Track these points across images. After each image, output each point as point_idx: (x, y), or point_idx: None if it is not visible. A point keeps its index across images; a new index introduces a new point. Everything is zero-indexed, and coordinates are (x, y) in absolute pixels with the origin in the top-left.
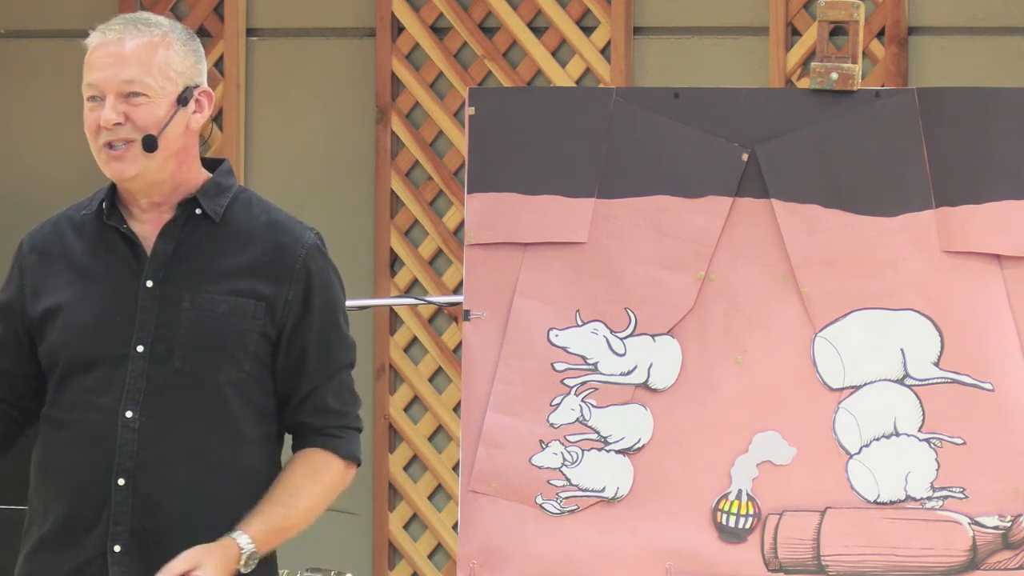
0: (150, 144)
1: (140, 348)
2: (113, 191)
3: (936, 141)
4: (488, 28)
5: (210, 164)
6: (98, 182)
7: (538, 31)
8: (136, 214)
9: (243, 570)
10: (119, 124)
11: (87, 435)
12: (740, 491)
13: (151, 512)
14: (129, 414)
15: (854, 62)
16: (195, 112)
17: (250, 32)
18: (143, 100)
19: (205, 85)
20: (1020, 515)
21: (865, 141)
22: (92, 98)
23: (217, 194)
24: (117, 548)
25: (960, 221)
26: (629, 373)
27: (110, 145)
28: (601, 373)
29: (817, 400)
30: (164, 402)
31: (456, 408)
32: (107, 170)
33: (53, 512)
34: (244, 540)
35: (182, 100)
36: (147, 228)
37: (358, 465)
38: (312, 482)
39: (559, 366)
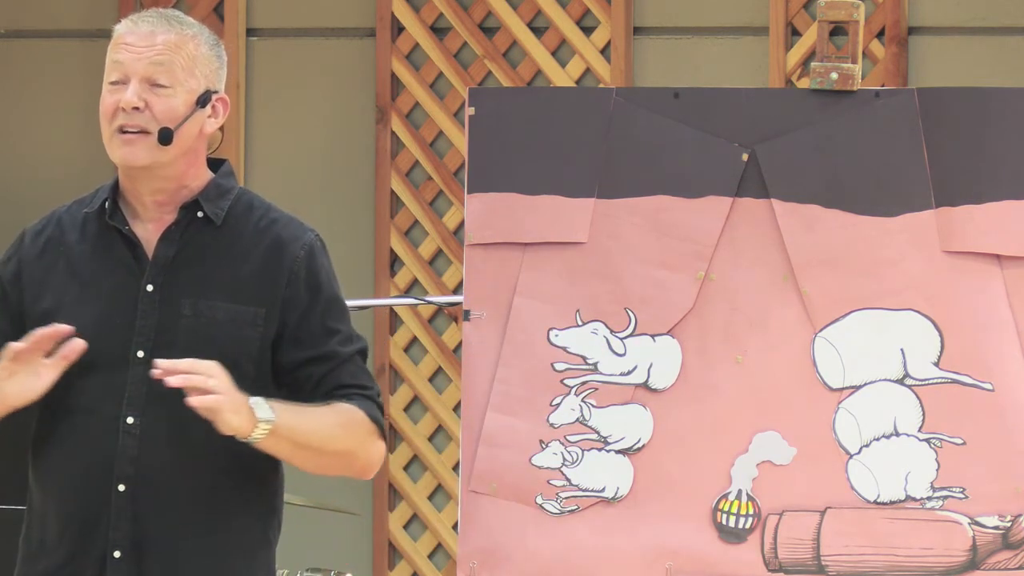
0: (166, 137)
1: (140, 353)
2: (115, 189)
3: (936, 141)
4: (488, 28)
5: (211, 165)
6: (97, 182)
7: (538, 31)
8: (139, 212)
9: (255, 432)
10: (138, 109)
11: (87, 440)
12: (740, 491)
13: (151, 519)
14: (130, 420)
15: (854, 62)
16: (210, 117)
17: (250, 32)
18: (166, 92)
19: (223, 93)
20: (1020, 515)
21: (865, 141)
22: (114, 82)
23: (218, 196)
24: (117, 554)
25: (960, 221)
26: (629, 373)
27: (123, 130)
28: (601, 373)
29: (817, 400)
30: (165, 408)
31: (456, 408)
32: (117, 154)
33: (52, 516)
34: (257, 399)
35: (201, 101)
36: (149, 229)
37: (383, 438)
38: (334, 410)
39: (559, 366)
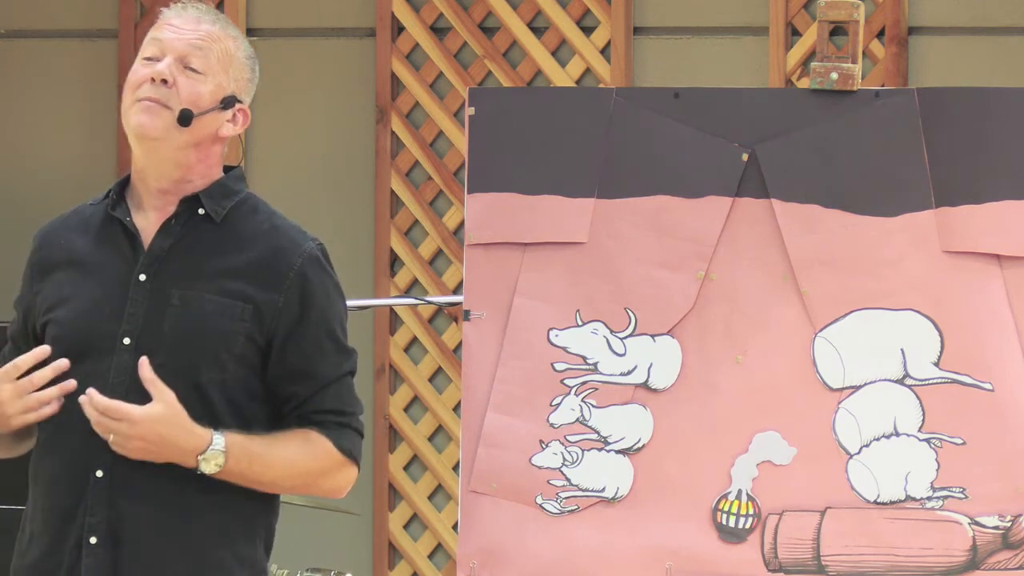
0: (186, 118)
1: (127, 341)
2: (124, 185)
3: (936, 141)
4: (488, 28)
5: (225, 171)
6: (97, 182)
7: (538, 31)
8: (145, 202)
9: (201, 465)
10: (166, 83)
11: (71, 428)
12: (740, 491)
13: (127, 505)
14: None
15: (854, 62)
16: (229, 122)
17: (250, 32)
18: (197, 77)
19: (247, 105)
20: (1020, 515)
21: (865, 141)
22: (148, 58)
23: (222, 196)
24: (93, 540)
25: (960, 221)
26: (629, 373)
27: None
28: (601, 373)
29: (817, 400)
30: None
31: (456, 408)
32: (133, 122)
33: (40, 507)
34: (218, 436)
35: (226, 103)
36: (151, 220)
37: (355, 463)
38: (299, 442)
39: (559, 366)
